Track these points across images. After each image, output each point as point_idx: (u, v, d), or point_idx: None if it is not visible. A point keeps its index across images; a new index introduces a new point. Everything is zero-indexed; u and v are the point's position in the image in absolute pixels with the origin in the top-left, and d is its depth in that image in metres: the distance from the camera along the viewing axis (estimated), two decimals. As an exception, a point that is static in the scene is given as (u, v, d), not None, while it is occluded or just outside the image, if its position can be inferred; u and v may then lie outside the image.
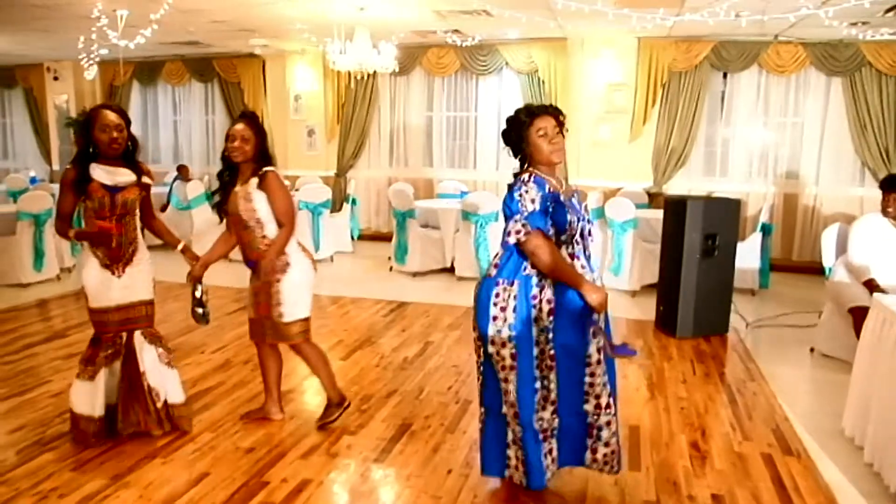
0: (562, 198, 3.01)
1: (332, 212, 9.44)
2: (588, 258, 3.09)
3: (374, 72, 8.74)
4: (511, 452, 3.12)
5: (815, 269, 7.04)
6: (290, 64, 10.96)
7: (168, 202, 10.18)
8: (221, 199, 3.79)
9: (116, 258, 3.66)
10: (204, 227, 9.12)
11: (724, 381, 4.94)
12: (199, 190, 9.68)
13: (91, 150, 3.59)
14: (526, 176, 3.00)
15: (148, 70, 11.81)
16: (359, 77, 9.12)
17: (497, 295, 2.98)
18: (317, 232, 8.93)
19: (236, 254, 3.95)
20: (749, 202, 8.95)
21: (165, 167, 11.81)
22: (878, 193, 5.29)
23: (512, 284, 2.97)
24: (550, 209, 2.94)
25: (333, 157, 11.00)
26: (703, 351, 5.59)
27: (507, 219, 3.00)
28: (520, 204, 2.94)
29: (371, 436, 3.92)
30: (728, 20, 6.71)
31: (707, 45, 8.78)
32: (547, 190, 2.98)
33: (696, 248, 5.76)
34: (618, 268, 7.52)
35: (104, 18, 7.36)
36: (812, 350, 5.58)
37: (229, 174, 3.78)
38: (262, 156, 3.75)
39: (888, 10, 6.63)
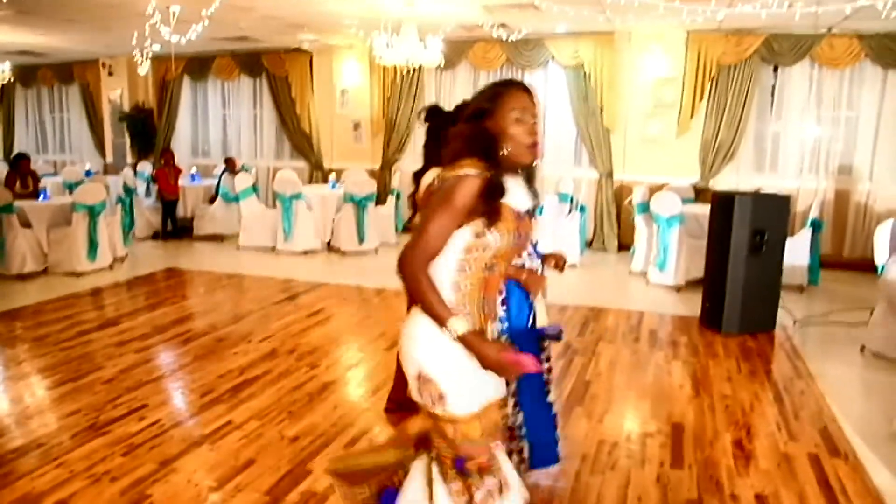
0: None
1: (376, 204, 9.51)
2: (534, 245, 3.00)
3: (420, 66, 8.78)
4: None
5: (867, 266, 6.89)
6: (337, 59, 11.07)
7: (216, 194, 10.37)
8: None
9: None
10: (251, 218, 9.25)
11: (771, 380, 4.86)
12: (247, 182, 9.80)
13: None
14: None
15: (199, 65, 12.03)
16: (405, 72, 9.18)
17: None
18: (362, 224, 9.03)
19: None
20: (799, 198, 8.75)
21: (214, 160, 12.10)
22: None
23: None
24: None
25: (378, 151, 11.07)
26: (749, 348, 5.50)
27: None
28: None
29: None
30: (780, 12, 6.56)
31: (758, 39, 8.59)
32: None
33: (743, 243, 5.67)
34: (663, 263, 7.44)
35: (157, 14, 7.53)
36: (863, 349, 5.45)
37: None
38: None
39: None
